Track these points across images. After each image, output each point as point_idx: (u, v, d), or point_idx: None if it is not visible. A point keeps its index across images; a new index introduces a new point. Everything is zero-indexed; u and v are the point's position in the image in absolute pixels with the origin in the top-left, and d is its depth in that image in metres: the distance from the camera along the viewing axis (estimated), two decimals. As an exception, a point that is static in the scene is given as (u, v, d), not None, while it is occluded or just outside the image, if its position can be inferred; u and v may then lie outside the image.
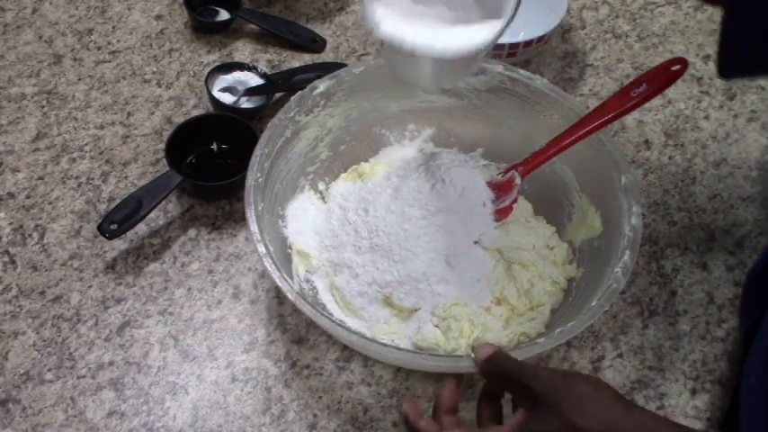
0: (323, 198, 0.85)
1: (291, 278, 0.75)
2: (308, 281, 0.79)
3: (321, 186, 0.86)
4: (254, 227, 0.71)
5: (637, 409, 0.54)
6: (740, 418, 0.68)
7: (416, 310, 0.76)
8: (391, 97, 0.85)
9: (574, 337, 0.69)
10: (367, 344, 0.67)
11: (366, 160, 0.88)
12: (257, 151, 0.75)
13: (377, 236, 0.76)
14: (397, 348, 0.71)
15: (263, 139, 0.76)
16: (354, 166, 0.87)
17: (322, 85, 0.80)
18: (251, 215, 0.71)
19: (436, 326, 0.75)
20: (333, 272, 0.79)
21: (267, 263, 0.69)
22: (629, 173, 0.75)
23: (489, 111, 0.86)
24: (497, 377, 0.60)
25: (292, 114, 0.78)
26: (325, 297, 0.79)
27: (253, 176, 0.73)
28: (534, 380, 0.56)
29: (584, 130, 0.75)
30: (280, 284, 0.68)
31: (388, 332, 0.76)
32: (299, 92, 0.80)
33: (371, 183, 0.81)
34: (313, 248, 0.80)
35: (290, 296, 0.67)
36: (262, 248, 0.70)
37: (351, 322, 0.77)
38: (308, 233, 0.81)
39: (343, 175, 0.86)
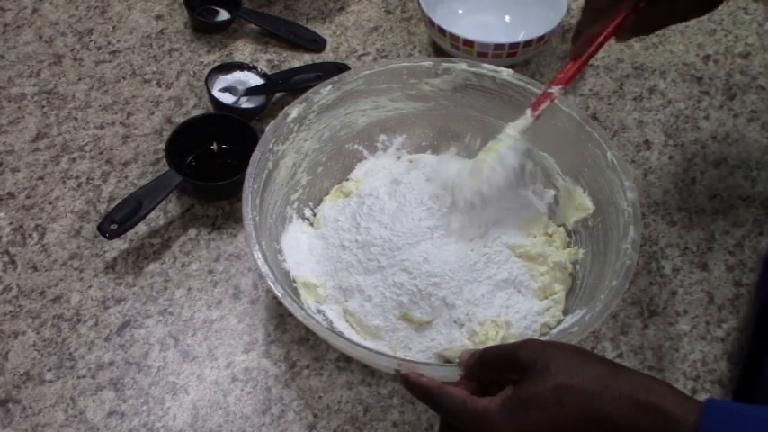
0: (312, 225, 0.84)
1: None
2: (319, 311, 0.77)
3: (307, 213, 0.84)
4: (265, 268, 0.69)
5: (626, 368, 0.54)
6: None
7: (434, 320, 0.75)
8: (358, 111, 0.84)
9: (563, 335, 0.69)
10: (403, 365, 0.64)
11: (346, 178, 0.87)
12: (247, 190, 0.73)
13: (382, 254, 0.75)
14: (440, 365, 0.70)
15: (248, 177, 0.74)
16: (337, 186, 0.86)
17: (294, 111, 0.79)
18: (259, 257, 0.69)
19: (460, 331, 0.74)
20: (343, 298, 0.77)
21: (287, 303, 0.67)
22: (613, 149, 0.76)
23: (457, 109, 0.86)
24: (482, 366, 0.59)
25: (271, 146, 0.77)
26: (341, 325, 0.76)
27: (250, 216, 0.72)
28: (519, 349, 0.55)
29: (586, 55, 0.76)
30: (309, 324, 0.66)
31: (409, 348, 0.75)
32: (273, 121, 0.78)
33: (364, 201, 0.80)
34: (317, 278, 0.78)
35: (335, 343, 0.67)
36: (280, 290, 0.68)
37: (372, 346, 0.73)
38: (309, 263, 0.79)
39: (326, 198, 0.85)
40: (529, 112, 0.76)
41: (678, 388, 0.54)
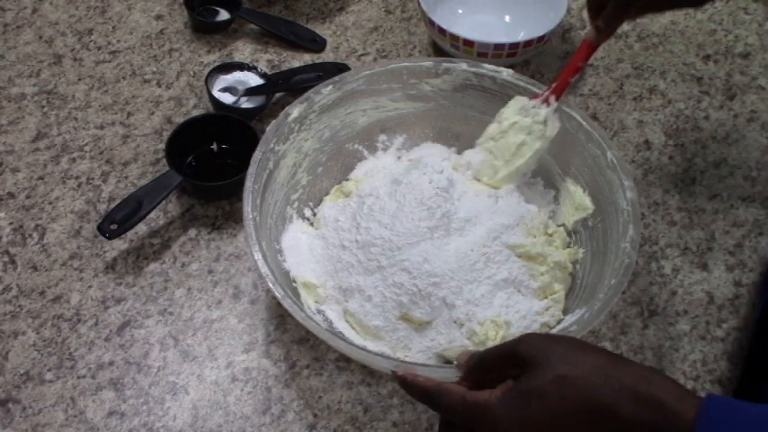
0: (312, 225, 0.83)
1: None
2: (319, 311, 0.77)
3: (308, 213, 0.84)
4: (265, 269, 0.68)
5: (626, 359, 0.54)
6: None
7: (434, 320, 0.75)
8: (359, 111, 0.84)
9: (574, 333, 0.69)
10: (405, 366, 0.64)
11: (346, 178, 0.87)
12: (248, 190, 0.73)
13: (382, 254, 0.75)
14: (439, 366, 0.70)
15: (249, 177, 0.74)
16: (337, 186, 0.86)
17: (295, 111, 0.79)
18: (259, 257, 0.69)
19: (460, 331, 0.74)
20: (343, 298, 0.77)
21: (286, 304, 0.67)
22: (613, 149, 0.77)
23: (457, 109, 0.86)
24: (483, 367, 0.59)
25: (272, 146, 0.77)
26: (341, 325, 0.76)
27: (251, 216, 0.71)
28: (519, 344, 0.55)
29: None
30: (308, 325, 0.66)
31: (409, 350, 0.75)
32: (274, 121, 0.78)
33: (364, 201, 0.80)
34: (317, 278, 0.78)
35: (334, 344, 0.66)
36: (279, 291, 0.67)
37: (372, 346, 0.74)
38: (309, 263, 0.79)
39: (327, 197, 0.85)
40: (554, 103, 0.79)
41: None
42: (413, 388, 0.60)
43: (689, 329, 0.81)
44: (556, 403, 0.51)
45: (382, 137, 0.88)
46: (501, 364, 0.57)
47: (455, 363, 0.61)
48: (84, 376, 0.77)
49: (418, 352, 0.74)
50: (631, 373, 0.51)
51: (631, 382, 0.50)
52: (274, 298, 0.81)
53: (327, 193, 0.86)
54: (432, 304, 0.73)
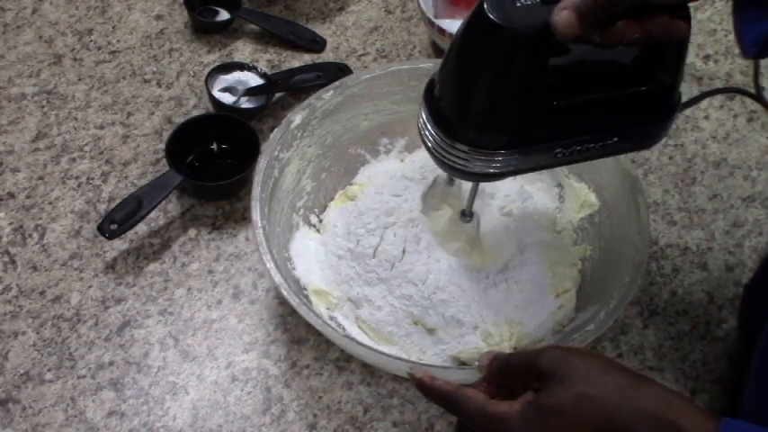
0: (318, 231, 0.83)
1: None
2: (331, 318, 0.77)
3: (314, 220, 0.84)
4: (278, 278, 0.68)
5: (649, 380, 0.53)
6: (744, 403, 0.68)
7: (447, 325, 0.75)
8: (360, 116, 0.84)
9: (579, 334, 0.69)
10: (426, 370, 0.63)
11: (350, 183, 0.87)
12: (255, 198, 0.72)
13: (380, 265, 0.75)
14: (457, 368, 0.70)
15: (256, 186, 0.73)
16: (341, 191, 0.86)
17: (297, 117, 0.78)
18: (272, 266, 0.69)
19: (474, 334, 0.74)
20: (354, 306, 0.77)
21: (303, 312, 0.67)
22: None
23: None
24: (504, 372, 0.59)
25: (276, 153, 0.76)
26: (354, 330, 0.76)
27: (260, 224, 0.71)
28: (541, 357, 0.55)
29: None
30: (326, 332, 0.66)
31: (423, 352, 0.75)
32: (277, 128, 0.77)
33: (369, 209, 0.79)
34: (327, 285, 0.78)
35: (354, 350, 0.66)
36: (294, 299, 0.67)
37: (386, 351, 0.73)
38: (318, 271, 0.79)
39: (332, 203, 0.85)
40: None
41: (680, 391, 0.54)
42: (431, 391, 0.59)
43: (689, 329, 0.81)
44: (573, 422, 0.51)
45: (384, 140, 0.88)
46: (523, 372, 0.57)
47: (476, 363, 0.61)
48: (84, 376, 0.77)
49: (433, 355, 0.74)
50: (652, 396, 0.51)
51: (651, 406, 0.50)
52: (275, 297, 0.81)
53: (332, 199, 0.85)
54: (443, 315, 0.73)
